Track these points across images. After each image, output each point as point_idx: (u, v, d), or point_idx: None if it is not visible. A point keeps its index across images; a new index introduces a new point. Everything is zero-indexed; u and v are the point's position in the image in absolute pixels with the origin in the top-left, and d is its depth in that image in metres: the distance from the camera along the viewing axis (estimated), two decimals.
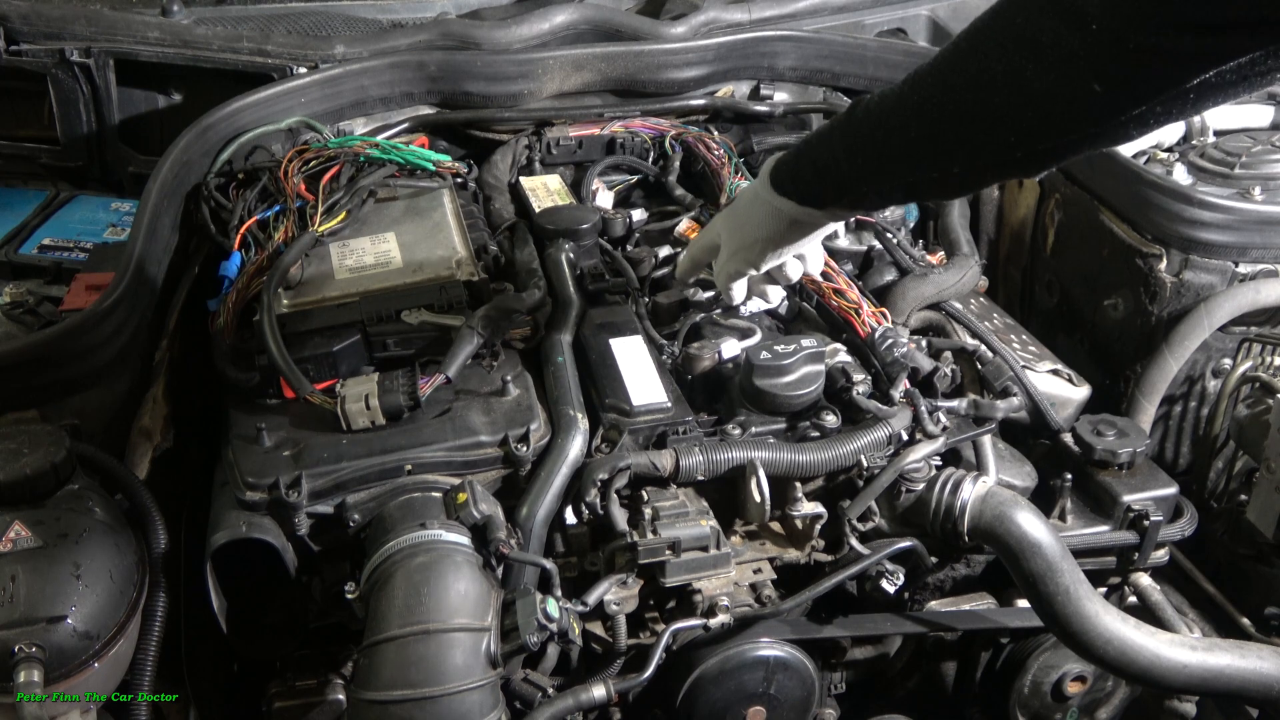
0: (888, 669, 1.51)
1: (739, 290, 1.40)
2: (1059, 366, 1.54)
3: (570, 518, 1.26)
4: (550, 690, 1.23)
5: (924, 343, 1.51)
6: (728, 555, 1.23)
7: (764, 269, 1.35)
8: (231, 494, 1.21)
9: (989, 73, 0.95)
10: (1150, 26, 0.83)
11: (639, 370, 1.37)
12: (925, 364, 1.42)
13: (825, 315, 1.54)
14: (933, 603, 1.43)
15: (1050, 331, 1.82)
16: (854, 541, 1.30)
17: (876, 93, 1.10)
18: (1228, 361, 1.65)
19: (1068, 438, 1.47)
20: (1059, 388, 1.52)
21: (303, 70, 1.81)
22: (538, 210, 1.66)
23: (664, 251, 1.66)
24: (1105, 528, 1.41)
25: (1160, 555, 1.45)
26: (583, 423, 1.27)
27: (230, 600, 1.21)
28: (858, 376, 1.38)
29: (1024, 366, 1.49)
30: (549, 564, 1.19)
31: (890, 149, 1.09)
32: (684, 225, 1.71)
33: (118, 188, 1.88)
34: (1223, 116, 1.86)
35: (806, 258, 1.39)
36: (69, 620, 1.04)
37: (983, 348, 1.50)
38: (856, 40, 2.05)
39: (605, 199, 1.82)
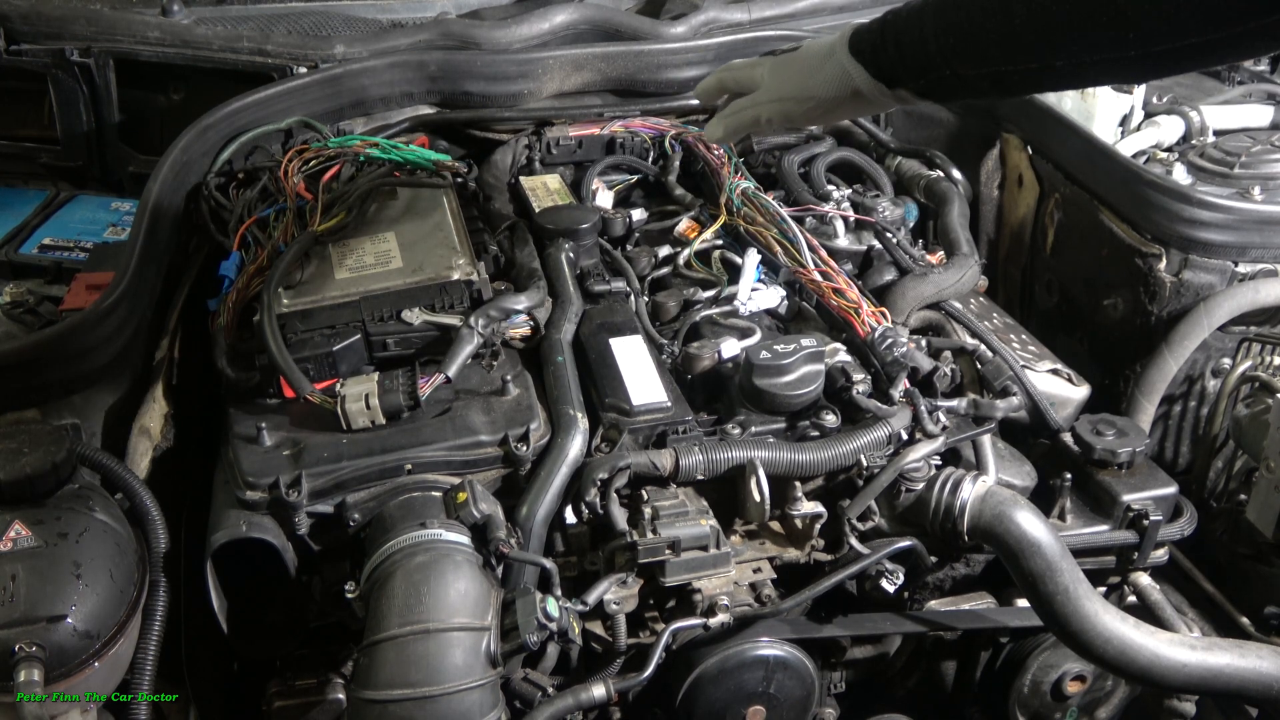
0: (887, 668, 1.51)
1: (739, 134, 1.34)
2: (1058, 366, 1.54)
3: (570, 517, 1.26)
4: (550, 689, 1.23)
5: (924, 342, 1.51)
6: (727, 555, 1.23)
7: (796, 130, 1.33)
8: (231, 494, 1.21)
9: None
10: None
11: (639, 370, 1.37)
12: (925, 364, 1.42)
13: (825, 315, 1.54)
14: (932, 602, 1.43)
15: (1050, 331, 1.82)
16: (854, 541, 1.30)
17: None
18: (1227, 361, 1.65)
19: (1067, 437, 1.47)
20: (1058, 387, 1.52)
21: (303, 70, 1.81)
22: (538, 210, 1.66)
23: (664, 251, 1.66)
24: (1105, 527, 1.41)
25: (1160, 555, 1.45)
26: (583, 422, 1.27)
27: (230, 600, 1.21)
28: (857, 376, 1.38)
29: (1023, 366, 1.49)
30: (549, 563, 1.19)
31: (988, 32, 1.01)
32: (684, 225, 1.71)
33: (118, 188, 1.88)
34: (1222, 117, 1.86)
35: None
36: (69, 620, 1.04)
37: (982, 347, 1.50)
38: None
39: (605, 199, 1.82)
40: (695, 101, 1.96)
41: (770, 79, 1.28)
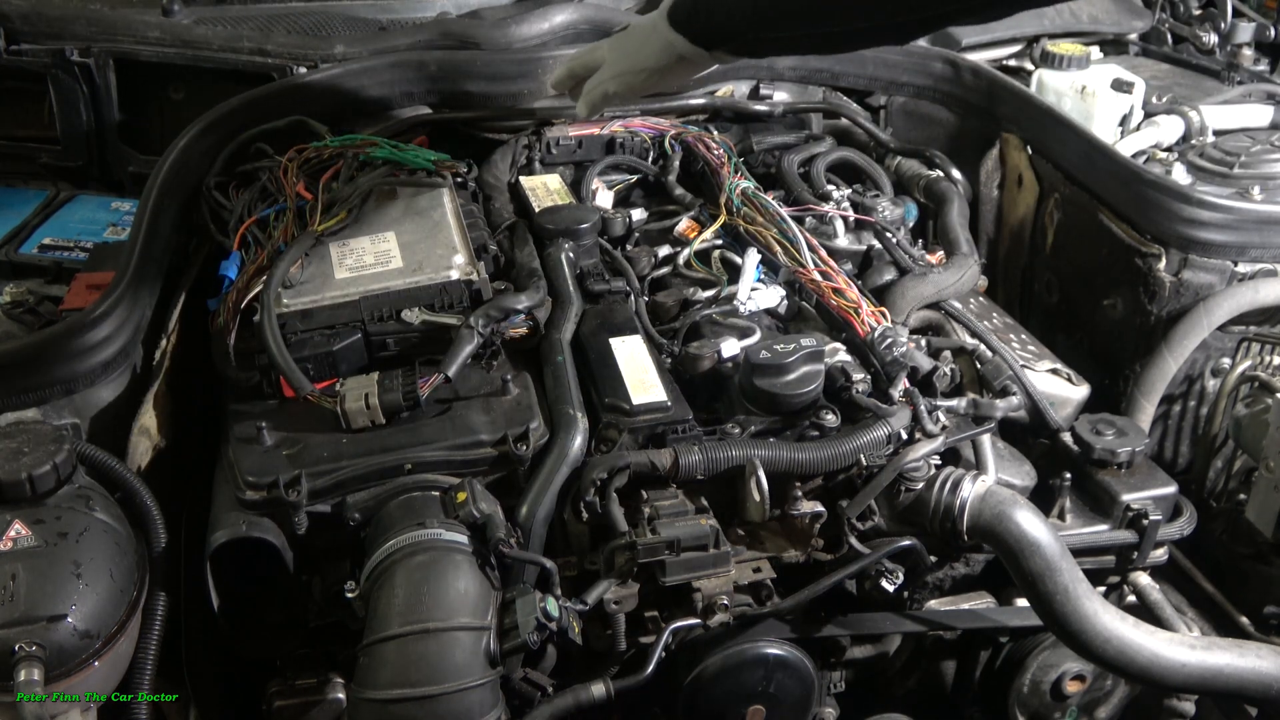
0: (887, 668, 1.51)
1: (599, 108, 1.54)
2: (1058, 366, 1.54)
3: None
4: (550, 689, 1.23)
5: (923, 342, 1.52)
6: (727, 554, 1.23)
7: (638, 98, 1.58)
8: (231, 493, 1.21)
9: None
10: None
11: (638, 369, 1.37)
12: (925, 363, 1.42)
13: (825, 315, 1.54)
14: (932, 602, 1.43)
15: (1049, 331, 1.82)
16: (853, 541, 1.30)
17: None
18: (1227, 361, 1.65)
19: (1067, 437, 1.47)
20: (1058, 387, 1.52)
21: (303, 70, 1.81)
22: (538, 210, 1.66)
23: (663, 251, 1.66)
24: (1104, 527, 1.41)
25: (1159, 554, 1.45)
26: (582, 422, 1.27)
27: (230, 599, 1.21)
28: (857, 376, 1.38)
29: (1023, 366, 1.49)
30: (549, 563, 1.19)
31: (774, 6, 1.21)
32: (684, 225, 1.71)
33: (118, 187, 1.88)
34: (1222, 116, 1.86)
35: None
36: (69, 619, 1.05)
37: (982, 347, 1.50)
38: None
39: (605, 198, 1.82)
40: (695, 101, 1.96)
41: (610, 56, 1.48)
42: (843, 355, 1.42)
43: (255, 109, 1.69)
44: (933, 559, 1.36)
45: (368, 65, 1.80)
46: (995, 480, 1.34)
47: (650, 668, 1.21)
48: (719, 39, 1.33)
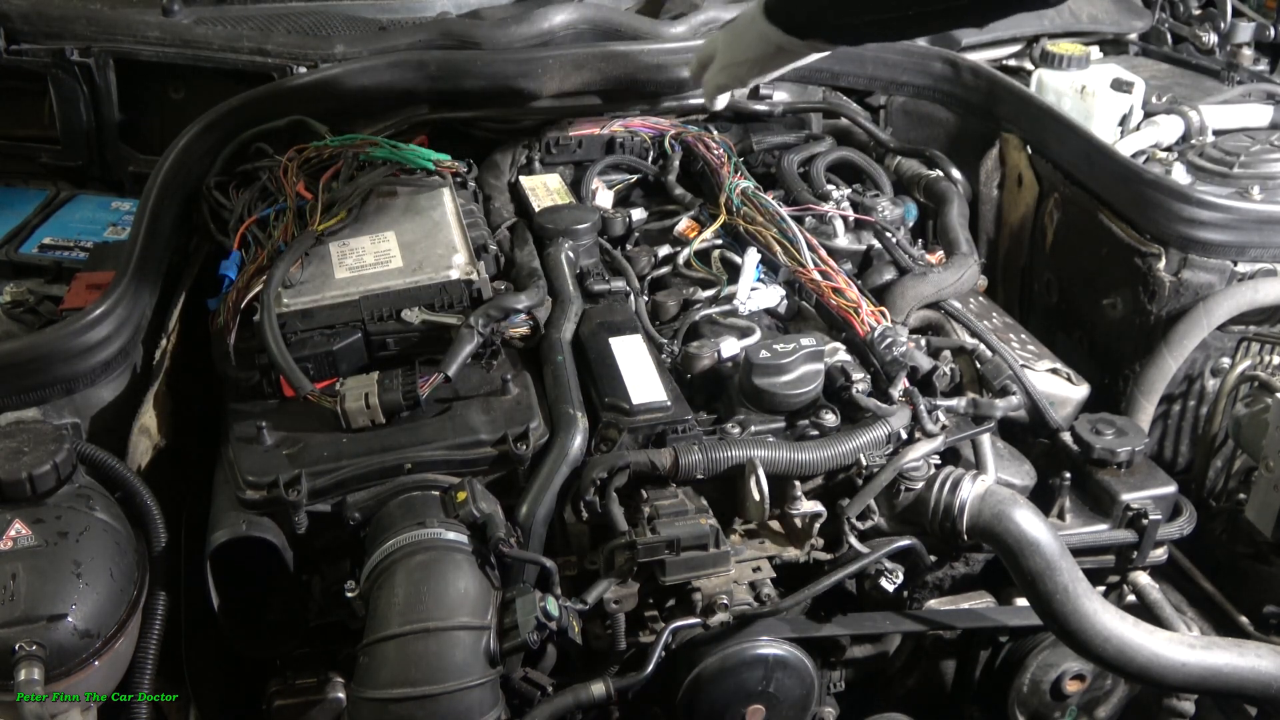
0: (887, 667, 1.51)
1: (722, 101, 1.64)
2: (1058, 365, 1.54)
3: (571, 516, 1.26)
4: (550, 689, 1.23)
5: (923, 342, 1.52)
6: (727, 554, 1.23)
7: (748, 87, 1.64)
8: (231, 493, 1.21)
9: None
10: None
11: (638, 369, 1.37)
12: (924, 363, 1.42)
13: (824, 314, 1.54)
14: (932, 601, 1.43)
15: (1049, 330, 1.82)
16: (853, 540, 1.30)
17: None
18: (1226, 360, 1.65)
19: (1067, 437, 1.47)
20: (1058, 387, 1.52)
21: (303, 70, 1.81)
22: (538, 209, 1.66)
23: (663, 251, 1.66)
24: (1104, 526, 1.41)
25: (1159, 554, 1.45)
26: (582, 421, 1.27)
27: (230, 599, 1.21)
28: (857, 375, 1.38)
29: (1023, 365, 1.49)
30: (549, 562, 1.19)
31: None
32: (683, 224, 1.71)
33: (118, 187, 1.88)
34: (1221, 116, 1.86)
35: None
36: (69, 619, 1.05)
37: (981, 347, 1.50)
38: None
39: (605, 198, 1.82)
40: (695, 101, 1.96)
41: (720, 49, 1.54)
42: (842, 355, 1.42)
43: (255, 109, 1.69)
44: (932, 559, 1.36)
45: (368, 65, 1.80)
46: (995, 480, 1.34)
47: (650, 667, 1.21)
48: (809, 28, 1.37)
